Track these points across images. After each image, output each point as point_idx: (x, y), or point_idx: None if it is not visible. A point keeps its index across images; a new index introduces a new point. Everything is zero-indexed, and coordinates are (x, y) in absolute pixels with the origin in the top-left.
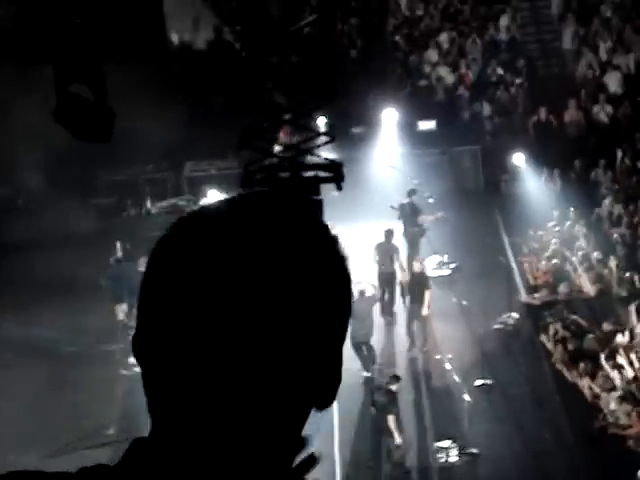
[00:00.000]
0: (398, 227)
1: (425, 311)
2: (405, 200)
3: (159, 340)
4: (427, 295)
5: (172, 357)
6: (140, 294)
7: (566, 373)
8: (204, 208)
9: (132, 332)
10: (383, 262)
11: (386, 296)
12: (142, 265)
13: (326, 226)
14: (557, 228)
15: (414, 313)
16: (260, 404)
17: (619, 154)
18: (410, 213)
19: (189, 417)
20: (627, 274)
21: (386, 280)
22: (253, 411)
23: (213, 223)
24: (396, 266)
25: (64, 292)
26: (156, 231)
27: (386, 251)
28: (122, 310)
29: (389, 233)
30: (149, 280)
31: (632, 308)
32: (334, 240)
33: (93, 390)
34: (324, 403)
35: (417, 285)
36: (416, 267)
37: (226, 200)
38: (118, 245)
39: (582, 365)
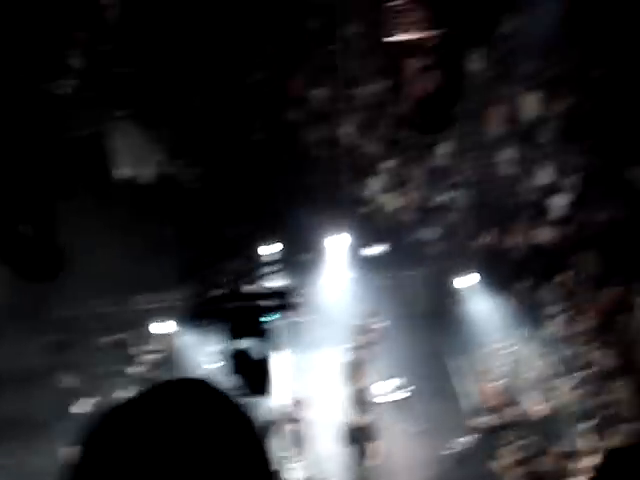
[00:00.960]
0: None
1: None
2: None
3: None
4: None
5: None
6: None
7: None
8: (123, 406)
9: None
10: None
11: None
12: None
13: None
14: (505, 350)
15: None
16: None
17: (565, 275)
18: None
19: None
20: (576, 395)
21: None
22: None
23: (133, 423)
24: None
25: (7, 430)
26: (104, 366)
27: None
28: (67, 453)
29: None
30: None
31: (584, 429)
32: (248, 420)
33: None
34: None
35: None
36: None
37: (139, 397)
38: (65, 379)
39: None
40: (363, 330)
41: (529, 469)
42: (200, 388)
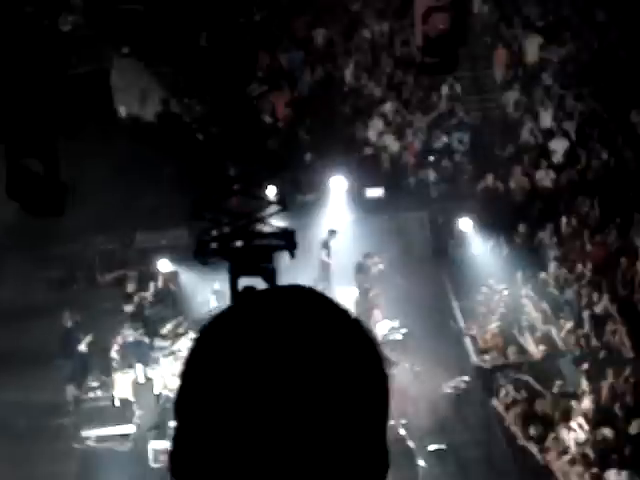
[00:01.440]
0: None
1: None
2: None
3: (205, 457)
4: None
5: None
6: (178, 402)
7: (519, 436)
8: (235, 311)
9: (83, 405)
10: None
11: None
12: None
13: (361, 325)
14: (505, 292)
15: None
16: None
17: (563, 219)
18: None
19: None
20: (574, 336)
21: None
22: None
23: (249, 330)
24: None
25: (13, 365)
26: (105, 303)
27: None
28: (71, 391)
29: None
30: (189, 388)
31: (582, 369)
32: (371, 340)
33: (45, 465)
34: None
35: None
36: None
37: (256, 301)
38: (67, 316)
39: (533, 429)
40: (363, 269)
41: (529, 407)
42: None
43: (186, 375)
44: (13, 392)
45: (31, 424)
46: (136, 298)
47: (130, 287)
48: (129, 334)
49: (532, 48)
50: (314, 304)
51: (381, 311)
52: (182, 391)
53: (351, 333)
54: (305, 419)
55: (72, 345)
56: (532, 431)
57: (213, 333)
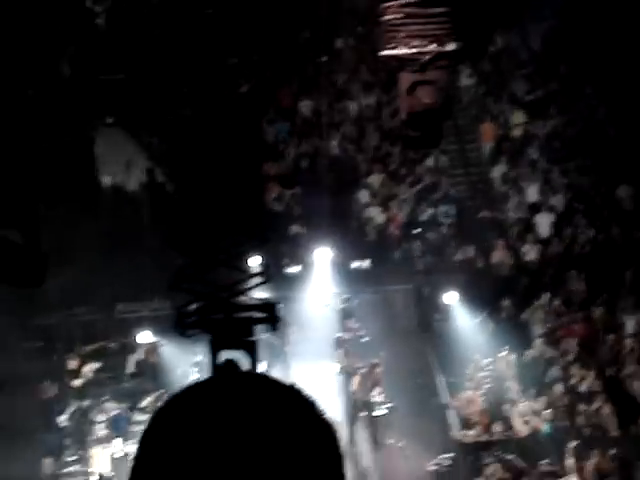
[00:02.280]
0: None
1: None
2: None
3: None
4: None
5: None
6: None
7: None
8: (189, 395)
9: None
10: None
11: None
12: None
13: (320, 415)
14: (491, 367)
15: None
16: None
17: (547, 295)
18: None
19: None
20: (560, 414)
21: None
22: None
23: (203, 414)
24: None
25: None
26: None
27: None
28: (49, 465)
29: None
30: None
31: (568, 448)
32: (324, 421)
33: None
34: None
35: None
36: None
37: (210, 386)
38: (46, 387)
39: None
40: (341, 344)
41: None
42: (274, 382)
43: (139, 458)
44: None
45: None
46: (120, 369)
47: (115, 358)
48: (112, 407)
49: (518, 122)
50: (267, 389)
51: (381, 387)
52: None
53: (304, 415)
54: None
55: (51, 418)
56: None
57: (164, 419)
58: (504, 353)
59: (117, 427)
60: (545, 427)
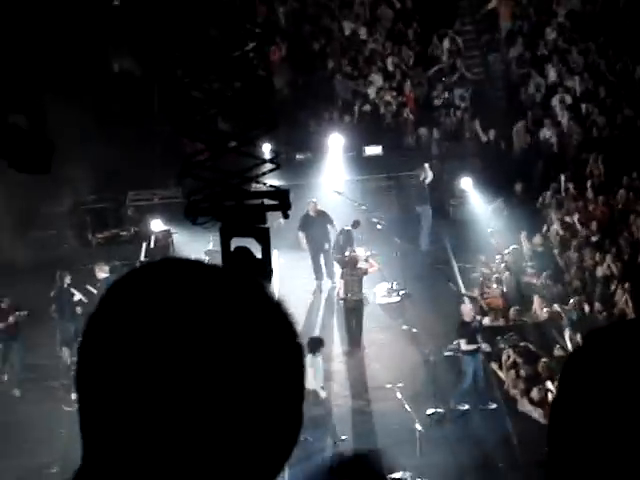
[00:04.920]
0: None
1: None
2: (345, 228)
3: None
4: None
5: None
6: (80, 352)
7: (518, 400)
8: (143, 274)
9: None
10: (351, 289)
11: (354, 324)
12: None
13: (269, 295)
14: (507, 252)
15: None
16: (207, 472)
17: (562, 178)
18: (343, 243)
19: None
20: (577, 298)
21: (353, 308)
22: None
23: (156, 291)
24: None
25: None
26: (97, 261)
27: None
28: (66, 354)
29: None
30: (91, 340)
31: (579, 336)
32: (278, 305)
33: (35, 428)
34: (278, 460)
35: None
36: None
37: (167, 267)
38: (57, 276)
39: (535, 391)
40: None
41: (528, 372)
42: (224, 270)
43: (84, 348)
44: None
45: (22, 387)
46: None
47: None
48: None
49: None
50: (207, 274)
51: (378, 273)
52: (81, 365)
53: (252, 302)
54: (208, 390)
55: (65, 306)
56: (533, 395)
57: (111, 301)
58: (522, 235)
59: None
60: (562, 311)
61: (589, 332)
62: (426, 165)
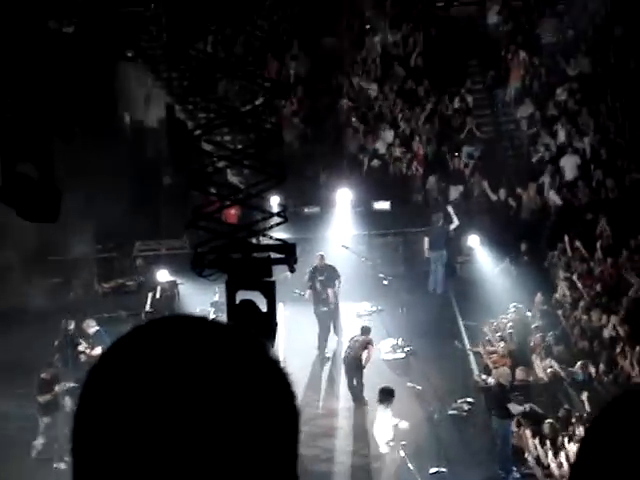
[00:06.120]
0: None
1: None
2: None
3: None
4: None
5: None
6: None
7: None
8: (145, 331)
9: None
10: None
11: (354, 382)
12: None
13: (269, 355)
14: (514, 311)
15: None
16: None
17: (566, 238)
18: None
19: None
20: (582, 359)
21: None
22: None
23: (152, 353)
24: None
25: (8, 374)
26: (103, 312)
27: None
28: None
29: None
30: (88, 398)
31: (584, 397)
32: (277, 367)
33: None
34: None
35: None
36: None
37: (160, 327)
38: (62, 324)
39: (540, 451)
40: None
41: (533, 431)
42: (221, 327)
43: (80, 412)
44: (10, 400)
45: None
46: (137, 306)
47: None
48: None
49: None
50: (209, 333)
51: (383, 329)
52: (77, 431)
53: (251, 362)
54: (205, 450)
55: (69, 355)
56: (539, 452)
57: (112, 358)
58: (537, 297)
59: None
60: (567, 372)
61: (619, 394)
62: (450, 209)
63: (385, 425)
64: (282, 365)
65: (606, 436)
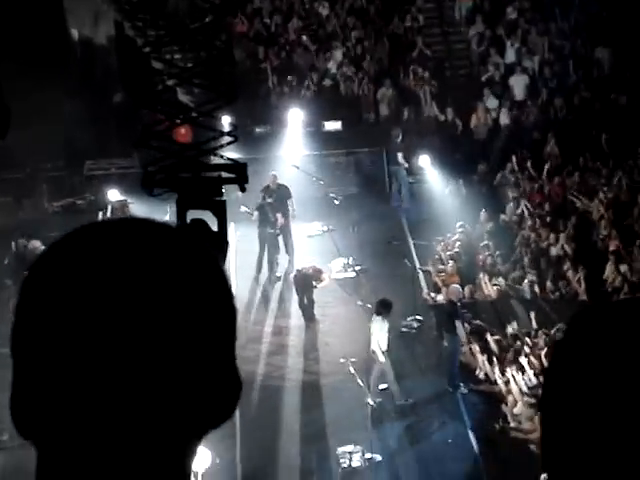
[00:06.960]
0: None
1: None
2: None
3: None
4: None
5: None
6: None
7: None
8: (74, 237)
9: None
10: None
11: (305, 300)
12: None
13: (206, 253)
14: (462, 231)
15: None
16: (144, 431)
17: (514, 158)
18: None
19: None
20: (530, 278)
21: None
22: (137, 438)
23: (88, 252)
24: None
25: None
26: (54, 231)
27: None
28: None
29: None
30: (23, 325)
31: (532, 315)
32: (216, 265)
33: None
34: (220, 420)
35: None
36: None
37: (88, 234)
38: (14, 244)
39: (488, 367)
40: None
41: (480, 348)
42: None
43: (19, 310)
44: None
45: None
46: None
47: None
48: None
49: None
50: (148, 233)
51: (335, 248)
52: (16, 328)
53: (186, 259)
54: (141, 349)
55: (22, 274)
56: (486, 369)
57: (44, 265)
58: (476, 217)
59: None
60: (514, 290)
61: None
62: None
63: (382, 336)
64: (224, 270)
65: (579, 341)
